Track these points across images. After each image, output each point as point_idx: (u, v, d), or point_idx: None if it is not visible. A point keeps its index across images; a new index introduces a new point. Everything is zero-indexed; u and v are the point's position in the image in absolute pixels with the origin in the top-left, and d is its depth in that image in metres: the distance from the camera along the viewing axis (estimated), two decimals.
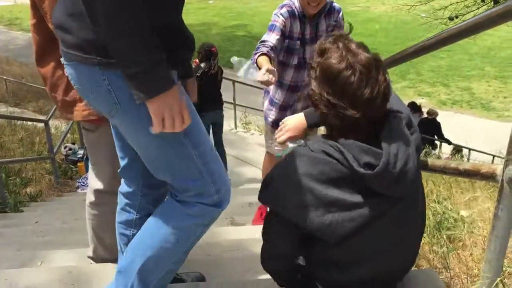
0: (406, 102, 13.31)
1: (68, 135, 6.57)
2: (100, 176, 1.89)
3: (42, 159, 5.71)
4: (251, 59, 2.25)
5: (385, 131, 1.23)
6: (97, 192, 1.89)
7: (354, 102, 1.18)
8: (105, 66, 1.15)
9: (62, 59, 1.25)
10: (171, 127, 1.15)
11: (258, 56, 2.27)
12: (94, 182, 1.91)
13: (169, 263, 1.43)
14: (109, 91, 1.18)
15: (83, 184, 5.34)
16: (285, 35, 2.43)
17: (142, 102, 1.12)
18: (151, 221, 1.43)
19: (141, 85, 1.08)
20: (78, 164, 5.92)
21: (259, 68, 2.14)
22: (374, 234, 1.26)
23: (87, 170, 5.73)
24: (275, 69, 2.16)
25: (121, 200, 1.60)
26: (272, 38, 2.38)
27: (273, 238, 1.39)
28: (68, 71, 1.25)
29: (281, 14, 2.40)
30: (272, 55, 2.32)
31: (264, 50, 2.30)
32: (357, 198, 1.21)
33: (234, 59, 2.17)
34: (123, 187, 1.59)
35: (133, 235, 1.54)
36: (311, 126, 1.62)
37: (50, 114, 5.53)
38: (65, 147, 6.01)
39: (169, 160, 1.30)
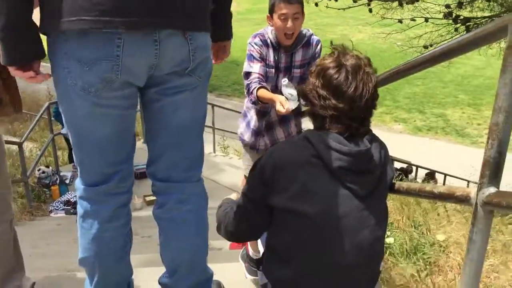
0: (383, 128, 13.39)
1: (43, 158, 6.44)
2: None
3: (15, 183, 5.55)
4: (250, 98, 2.40)
5: (367, 136, 1.38)
6: None
7: (337, 94, 1.32)
8: None
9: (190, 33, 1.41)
10: None
11: (257, 92, 2.32)
12: None
13: None
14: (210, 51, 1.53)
15: (56, 208, 5.21)
16: (264, 61, 2.46)
17: None
18: (193, 217, 1.62)
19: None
20: (52, 187, 5.76)
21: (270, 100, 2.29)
22: (325, 228, 1.32)
23: (61, 194, 5.60)
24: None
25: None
26: (255, 68, 2.43)
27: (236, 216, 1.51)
28: (198, 41, 1.45)
29: (254, 43, 2.47)
30: (264, 84, 2.37)
31: (257, 85, 2.35)
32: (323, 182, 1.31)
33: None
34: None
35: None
36: None
37: (25, 136, 5.43)
38: (38, 170, 5.88)
39: (201, 130, 1.60)
